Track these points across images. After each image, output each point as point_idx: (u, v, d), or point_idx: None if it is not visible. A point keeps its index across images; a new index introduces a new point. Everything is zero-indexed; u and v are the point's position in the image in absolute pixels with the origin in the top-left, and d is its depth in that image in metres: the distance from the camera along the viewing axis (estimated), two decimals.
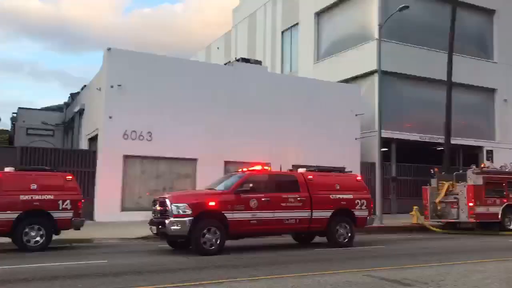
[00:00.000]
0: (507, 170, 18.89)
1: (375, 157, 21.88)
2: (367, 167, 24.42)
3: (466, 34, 28.92)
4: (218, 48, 43.52)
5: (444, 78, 23.61)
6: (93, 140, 21.66)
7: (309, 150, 22.47)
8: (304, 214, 11.70)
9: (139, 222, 15.44)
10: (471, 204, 16.54)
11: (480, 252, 11.60)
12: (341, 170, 13.77)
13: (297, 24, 32.84)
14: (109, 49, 19.61)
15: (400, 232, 17.68)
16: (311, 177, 12.18)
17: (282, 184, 11.84)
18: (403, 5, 19.17)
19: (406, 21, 26.96)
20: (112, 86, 19.09)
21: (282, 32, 34.72)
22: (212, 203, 10.70)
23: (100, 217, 18.29)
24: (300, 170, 12.86)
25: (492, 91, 29.77)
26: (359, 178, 13.37)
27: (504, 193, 17.30)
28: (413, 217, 18.83)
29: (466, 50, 28.66)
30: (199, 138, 20.38)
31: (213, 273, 8.21)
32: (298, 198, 11.67)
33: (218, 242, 10.54)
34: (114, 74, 19.32)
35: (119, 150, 19.06)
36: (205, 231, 10.45)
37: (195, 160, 20.47)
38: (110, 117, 19.01)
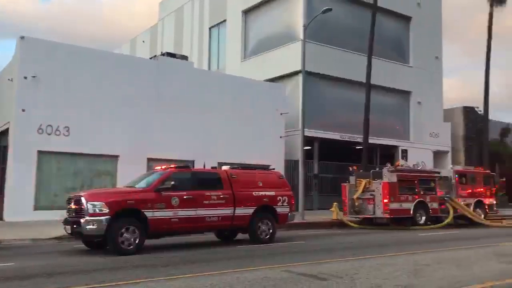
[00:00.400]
0: (419, 168, 20.14)
1: (299, 155, 22.40)
2: (291, 165, 24.99)
3: (385, 39, 30.50)
4: (143, 41, 42.38)
5: (364, 80, 24.71)
6: (3, 134, 20.19)
7: (236, 148, 22.55)
8: (227, 211, 11.69)
9: (54, 221, 14.61)
10: (385, 200, 17.43)
11: (392, 246, 12.24)
12: (264, 167, 13.93)
13: (224, 21, 32.80)
14: (22, 37, 18.37)
15: (321, 227, 18.23)
16: (234, 174, 12.19)
17: (205, 182, 11.75)
18: (327, 7, 19.77)
19: (330, 24, 27.90)
20: (25, 77, 17.92)
21: (210, 28, 34.54)
22: (130, 201, 10.36)
23: (11, 217, 17.14)
24: (224, 167, 12.83)
25: (407, 93, 31.63)
26: (281, 175, 13.59)
27: (416, 190, 18.41)
28: (333, 213, 19.49)
29: (385, 54, 30.22)
30: (121, 134, 19.71)
31: (130, 273, 7.94)
32: (221, 196, 11.64)
33: (136, 242, 10.23)
34: (28, 64, 18.14)
35: (33, 145, 17.95)
36: (123, 230, 10.09)
37: (116, 157, 19.77)
38: (23, 110, 17.85)
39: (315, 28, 25.86)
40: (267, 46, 29.14)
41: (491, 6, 31.38)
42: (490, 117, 34.39)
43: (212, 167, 12.88)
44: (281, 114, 24.61)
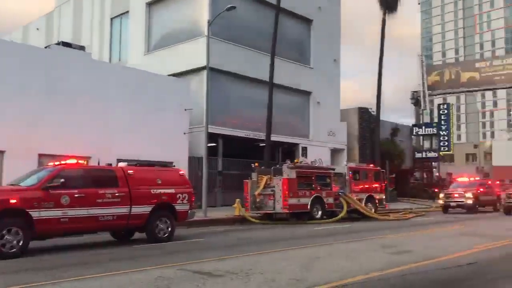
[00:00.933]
0: (316, 165, 21.02)
1: (203, 152, 22.27)
2: (195, 161, 24.77)
3: (288, 40, 31.41)
4: (37, 29, 39.37)
5: (268, 79, 25.21)
6: None
7: (137, 144, 21.78)
8: (123, 210, 11.22)
9: None
10: (285, 196, 17.98)
11: (289, 240, 12.62)
12: (163, 164, 13.59)
13: (127, 12, 31.58)
14: None
15: (224, 224, 18.30)
16: (131, 171, 11.74)
17: (99, 179, 11.15)
18: (231, 5, 19.84)
19: (236, 22, 28.09)
20: None
21: (112, 19, 33.05)
22: (13, 201, 9.53)
23: None
24: (121, 164, 12.31)
25: (308, 93, 32.88)
26: (181, 172, 13.38)
27: (313, 185, 19.22)
28: (236, 209, 19.69)
29: (288, 54, 31.12)
30: (8, 127, 18.06)
31: (10, 278, 7.31)
32: (117, 194, 11.14)
33: (20, 244, 9.44)
34: None
35: None
36: (4, 232, 9.26)
37: (1, 152, 18.11)
38: None
39: (221, 25, 25.88)
40: (172, 40, 28.58)
41: (384, 13, 33.73)
42: (382, 118, 37.07)
43: (107, 164, 12.27)
44: (185, 110, 24.26)
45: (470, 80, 56.20)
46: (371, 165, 24.80)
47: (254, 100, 28.54)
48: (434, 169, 44.64)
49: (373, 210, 21.78)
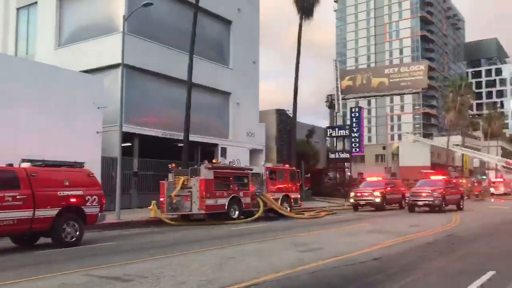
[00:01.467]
0: (234, 165, 21.12)
1: (117, 152, 21.46)
2: (108, 162, 23.83)
3: (208, 40, 31.31)
4: None
5: (186, 78, 24.90)
6: None
7: (46, 143, 20.41)
8: (25, 213, 10.48)
9: None
10: (202, 197, 17.85)
11: (204, 242, 12.54)
12: (71, 164, 12.85)
13: (35, 3, 29.64)
14: None
15: (138, 226, 17.77)
16: (35, 173, 10.99)
17: None
18: (148, 1, 19.32)
19: (154, 19, 27.48)
20: None
21: (18, 9, 30.83)
22: None
23: None
24: (24, 164, 11.49)
25: (227, 94, 32.99)
26: (91, 173, 12.77)
27: (231, 186, 19.29)
28: (152, 211, 19.23)
29: (207, 54, 31.00)
30: None
31: None
32: (18, 196, 10.38)
33: None
34: None
35: None
36: None
37: None
38: None
39: (138, 22, 25.18)
40: (85, 34, 27.24)
41: (301, 18, 34.78)
42: (299, 119, 38.16)
43: (7, 164, 11.38)
44: (98, 108, 23.21)
45: (380, 85, 59.80)
46: (287, 165, 25.43)
47: (173, 99, 28.09)
48: (346, 169, 46.78)
49: (288, 209, 22.32)
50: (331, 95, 52.55)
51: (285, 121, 38.07)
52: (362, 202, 27.07)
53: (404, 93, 65.14)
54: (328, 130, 45.92)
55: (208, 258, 9.27)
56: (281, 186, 22.55)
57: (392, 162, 68.17)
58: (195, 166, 20.16)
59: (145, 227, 17.86)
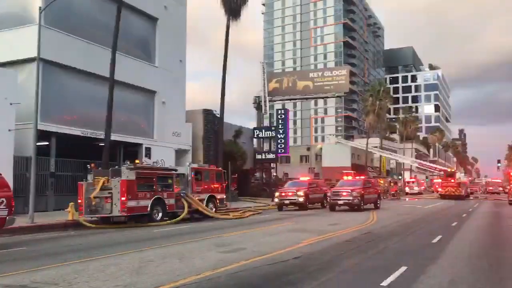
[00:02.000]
0: (158, 166, 20.64)
1: (31, 151, 20.16)
2: (22, 162, 22.35)
3: (132, 36, 30.40)
4: None
5: (109, 75, 23.95)
6: None
7: None
8: None
9: None
10: (123, 198, 17.19)
11: (124, 245, 12.08)
12: None
13: None
14: None
15: (54, 230, 16.80)
16: None
17: None
18: None
19: (76, 13, 26.21)
20: None
21: None
22: None
23: None
24: None
25: (152, 93, 32.19)
26: None
27: (154, 187, 18.78)
28: (69, 214, 18.31)
29: (132, 51, 30.08)
30: None
31: None
32: None
33: None
34: None
35: None
36: None
37: None
38: None
39: (57, 14, 23.85)
40: None
41: (228, 19, 34.79)
42: (227, 120, 38.27)
43: None
44: (11, 104, 21.66)
45: (305, 88, 61.49)
46: (213, 166, 25.30)
47: (94, 96, 26.90)
48: (272, 170, 47.55)
49: (214, 209, 22.21)
50: (258, 96, 53.23)
51: (212, 121, 37.91)
52: (286, 202, 27.61)
53: (327, 97, 67.44)
54: (255, 131, 46.38)
55: (127, 262, 8.92)
56: (207, 186, 22.38)
57: (316, 163, 70.42)
58: (116, 167, 19.41)
59: (62, 230, 16.91)
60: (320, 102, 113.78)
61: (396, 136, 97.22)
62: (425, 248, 11.34)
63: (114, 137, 24.79)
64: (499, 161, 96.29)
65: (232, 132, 41.24)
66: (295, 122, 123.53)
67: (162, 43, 32.93)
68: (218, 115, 37.09)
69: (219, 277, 7.52)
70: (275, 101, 64.68)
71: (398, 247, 11.48)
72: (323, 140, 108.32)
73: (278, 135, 45.15)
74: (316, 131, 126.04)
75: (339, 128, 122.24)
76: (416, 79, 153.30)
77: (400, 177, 77.03)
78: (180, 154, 34.16)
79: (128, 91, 29.67)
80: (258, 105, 53.27)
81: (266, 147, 46.72)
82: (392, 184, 54.17)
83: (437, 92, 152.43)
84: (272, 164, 46.20)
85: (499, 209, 30.41)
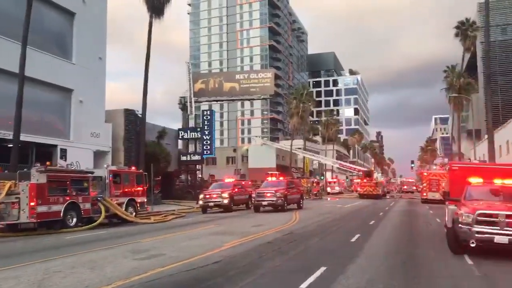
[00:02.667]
0: (72, 168, 19.39)
1: None
2: None
3: (47, 31, 28.50)
4: None
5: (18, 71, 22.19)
6: None
7: None
8: None
9: None
10: (32, 203, 15.89)
11: (29, 255, 11.08)
12: None
13: None
14: None
15: None
16: None
17: None
18: None
19: None
20: None
21: None
22: None
23: None
24: None
25: (69, 91, 30.34)
26: None
27: (68, 191, 17.57)
28: None
29: (46, 46, 28.13)
30: None
31: None
32: None
33: None
34: None
35: None
36: None
37: None
38: None
39: None
40: None
41: (151, 16, 33.72)
42: (151, 120, 37.05)
43: None
44: None
45: (231, 89, 61.62)
46: (133, 168, 24.31)
47: (2, 94, 24.81)
48: (198, 171, 46.87)
49: (134, 214, 21.30)
50: (184, 97, 52.34)
51: (134, 122, 36.49)
52: (211, 204, 27.19)
53: (253, 99, 68.00)
54: (180, 132, 45.42)
55: (28, 274, 8.11)
56: (126, 190, 21.41)
57: (242, 164, 70.55)
58: (25, 169, 17.95)
59: None
60: (247, 104, 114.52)
61: (318, 138, 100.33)
62: (344, 247, 11.53)
63: (24, 137, 23.01)
64: (412, 162, 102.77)
65: (156, 133, 40.02)
66: (222, 124, 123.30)
67: (80, 39, 31.16)
68: (141, 115, 35.81)
69: (132, 287, 7.03)
70: (201, 102, 64.17)
71: (318, 247, 11.57)
72: (249, 141, 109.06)
73: (204, 136, 44.57)
74: (242, 132, 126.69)
75: (265, 130, 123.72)
76: (337, 83, 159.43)
77: (322, 178, 79.50)
78: (99, 155, 32.51)
79: (42, 88, 27.73)
80: (183, 106, 52.37)
81: (191, 148, 45.95)
82: (314, 184, 55.64)
83: (356, 96, 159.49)
84: (197, 165, 45.47)
85: (412, 207, 32.23)
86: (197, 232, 15.76)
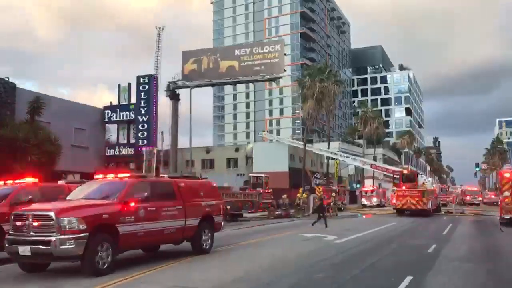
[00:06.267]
0: None
1: None
2: None
3: None
4: None
5: None
6: None
7: None
8: None
9: None
10: None
11: None
12: None
13: None
14: None
15: None
16: None
17: None
18: None
19: None
20: None
21: None
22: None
23: None
24: None
25: None
26: None
27: None
28: None
29: None
30: None
31: None
32: None
33: None
34: None
35: None
36: None
37: None
38: None
39: None
40: None
41: None
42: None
43: None
44: None
45: (229, 69, 45.40)
46: None
47: None
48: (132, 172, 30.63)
49: None
50: (172, 82, 38.34)
51: None
52: None
53: (256, 80, 50.79)
54: (107, 112, 29.53)
55: None
56: None
57: (246, 167, 53.81)
58: None
59: None
60: (275, 96, 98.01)
61: (362, 141, 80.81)
62: None
63: None
64: (477, 165, 79.73)
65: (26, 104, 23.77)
66: (248, 115, 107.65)
67: None
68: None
69: None
70: (192, 86, 48.41)
71: None
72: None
73: (139, 117, 28.41)
74: (270, 125, 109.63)
75: (297, 131, 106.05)
76: (386, 80, 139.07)
77: (358, 186, 61.15)
78: None
79: None
80: (172, 93, 37.91)
81: (123, 139, 29.86)
82: (333, 194, 37.76)
83: (408, 94, 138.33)
84: (131, 164, 29.02)
85: (491, 239, 14.35)
86: None
